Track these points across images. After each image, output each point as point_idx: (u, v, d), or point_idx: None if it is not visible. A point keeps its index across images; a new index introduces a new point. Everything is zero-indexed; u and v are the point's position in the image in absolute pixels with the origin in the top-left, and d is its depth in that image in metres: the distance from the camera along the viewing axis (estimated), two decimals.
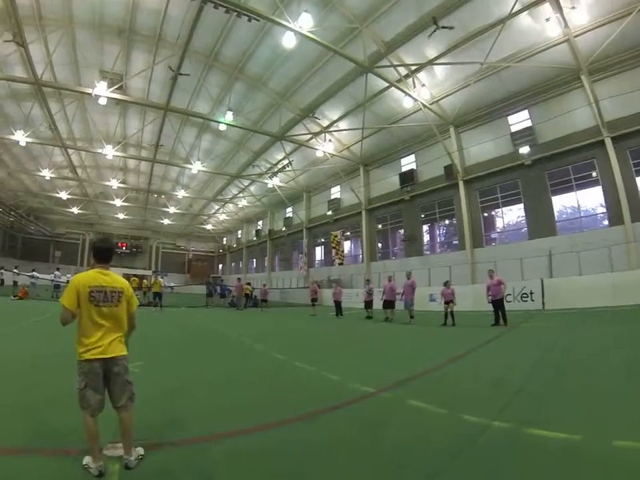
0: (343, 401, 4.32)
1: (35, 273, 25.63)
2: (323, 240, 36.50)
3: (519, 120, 20.96)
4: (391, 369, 6.34)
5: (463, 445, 3.09)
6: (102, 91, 19.73)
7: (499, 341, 9.46)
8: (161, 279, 23.19)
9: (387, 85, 20.90)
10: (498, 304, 12.76)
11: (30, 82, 20.19)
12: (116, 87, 20.23)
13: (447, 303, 13.72)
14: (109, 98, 20.56)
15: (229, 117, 22.97)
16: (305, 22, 15.19)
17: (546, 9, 15.72)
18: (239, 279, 28.93)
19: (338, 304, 19.53)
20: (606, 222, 17.60)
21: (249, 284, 27.90)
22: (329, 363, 6.66)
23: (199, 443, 3.16)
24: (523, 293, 16.70)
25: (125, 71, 22.28)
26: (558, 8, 14.94)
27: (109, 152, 27.71)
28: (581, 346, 8.04)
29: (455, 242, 24.34)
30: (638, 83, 16.23)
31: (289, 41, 16.24)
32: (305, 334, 12.98)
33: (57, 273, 27.42)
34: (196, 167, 30.88)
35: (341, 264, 31.84)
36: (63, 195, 40.23)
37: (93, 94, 19.80)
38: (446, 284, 14.33)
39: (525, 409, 4.07)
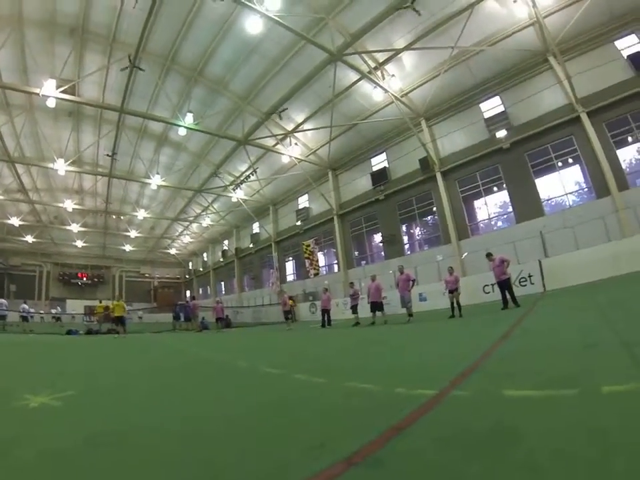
0: (407, 414, 2.56)
1: None
2: (294, 252, 34.98)
3: (492, 106, 20.66)
4: (430, 366, 4.72)
5: None
6: (51, 90, 18.00)
7: (533, 315, 8.53)
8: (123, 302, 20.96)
9: (355, 79, 20.64)
10: (504, 285, 11.84)
11: None
12: (67, 86, 18.43)
13: (451, 292, 12.63)
14: (60, 105, 19.01)
15: (189, 119, 21.60)
16: (272, 4, 14.24)
17: None
18: (217, 301, 27.15)
19: (326, 312, 17.43)
20: (591, 196, 17.51)
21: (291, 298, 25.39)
22: (341, 372, 4.84)
23: None
24: (521, 278, 15.90)
25: (78, 75, 20.61)
26: None
27: (61, 167, 25.56)
28: (627, 302, 7.28)
29: (437, 236, 23.48)
30: (604, 59, 16.74)
31: (254, 27, 15.11)
32: (290, 346, 10.57)
33: (24, 306, 25.31)
34: (155, 181, 29.19)
35: (316, 274, 30.41)
36: (15, 222, 37.62)
37: (40, 94, 18.01)
38: (450, 271, 13.24)
39: None
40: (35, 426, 3.02)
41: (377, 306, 14.72)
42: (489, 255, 12.53)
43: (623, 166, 16.67)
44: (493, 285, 13.44)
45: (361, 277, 25.43)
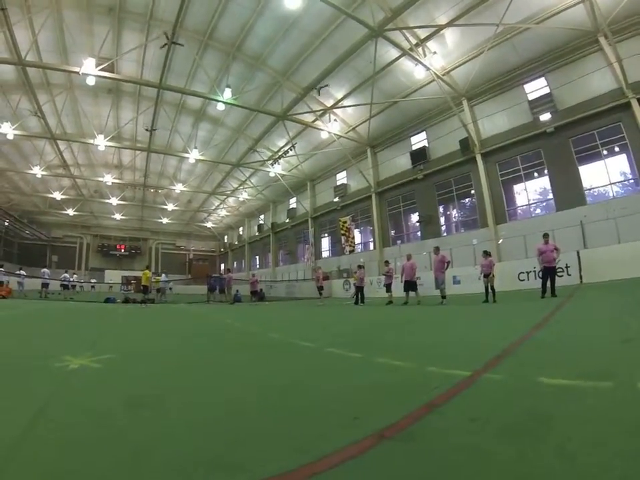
0: (441, 393, 2.57)
1: (22, 272, 24.43)
2: (330, 229, 35.04)
3: (536, 88, 19.78)
4: (462, 348, 4.66)
5: None
6: (90, 69, 18.42)
7: (570, 306, 8.35)
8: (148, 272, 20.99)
9: (396, 56, 20.21)
10: (550, 272, 11.42)
11: (14, 63, 18.94)
12: (106, 64, 18.84)
13: (485, 276, 12.43)
14: (99, 83, 19.41)
15: (227, 94, 21.66)
16: None
17: None
18: (252, 274, 27.95)
19: (360, 290, 17.42)
20: (638, 187, 16.67)
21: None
22: (374, 348, 4.93)
23: None
24: (558, 268, 15.33)
25: (116, 53, 20.85)
26: None
27: (101, 142, 26.50)
28: None
29: (474, 219, 23.03)
30: None
31: (293, 1, 14.93)
32: (326, 321, 10.80)
33: (65, 275, 26.43)
34: (194, 155, 29.71)
35: (352, 251, 30.50)
36: (57, 195, 39.14)
37: (80, 72, 18.48)
38: (484, 255, 12.97)
39: None
40: (73, 386, 3.17)
41: (410, 285, 14.67)
42: (545, 236, 11.99)
43: None
44: (528, 272, 13.09)
45: (397, 255, 25.03)
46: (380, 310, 13.41)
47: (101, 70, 18.94)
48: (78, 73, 18.71)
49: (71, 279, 27.98)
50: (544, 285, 11.36)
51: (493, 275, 12.43)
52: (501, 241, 19.98)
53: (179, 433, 2.03)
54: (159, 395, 2.86)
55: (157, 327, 9.58)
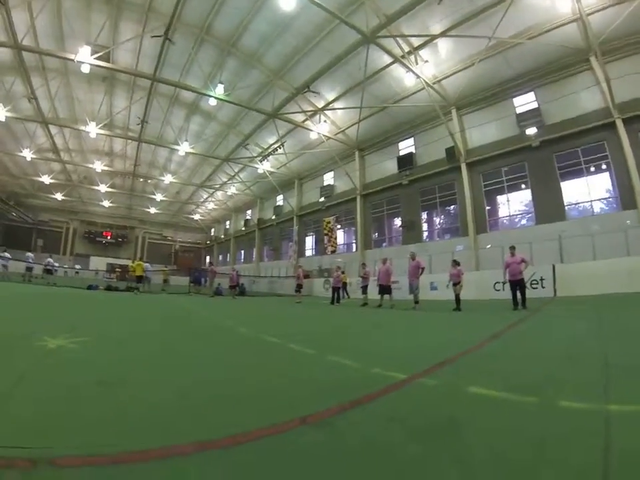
0: (371, 392, 2.84)
1: (5, 254, 24.19)
2: (314, 228, 35.22)
3: (525, 102, 20.13)
4: (414, 353, 5.01)
5: (602, 446, 1.89)
6: (85, 57, 18.42)
7: (533, 319, 8.62)
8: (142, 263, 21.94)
9: (388, 62, 20.37)
10: (518, 284, 11.49)
11: (10, 46, 18.80)
12: (102, 53, 18.88)
13: (454, 284, 12.62)
14: (94, 70, 19.43)
15: (219, 90, 21.78)
16: None
17: None
18: (233, 268, 27.82)
19: (336, 290, 17.85)
20: (616, 206, 17.03)
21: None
22: (331, 347, 5.29)
23: (101, 468, 1.68)
24: (533, 280, 15.59)
25: (113, 41, 20.84)
26: None
27: (93, 129, 26.37)
28: (631, 322, 7.26)
29: (456, 227, 23.36)
30: None
31: (288, 3, 15.15)
32: (298, 318, 11.32)
33: (49, 260, 26.27)
34: (184, 147, 29.68)
35: (333, 251, 30.76)
36: (46, 179, 38.83)
37: (75, 60, 18.47)
38: (454, 263, 13.13)
39: (633, 388, 2.96)
40: (49, 363, 3.51)
41: (385, 289, 14.90)
42: (512, 248, 12.00)
43: None
44: (503, 283, 13.30)
45: (378, 258, 24.97)
46: (352, 311, 13.72)
47: (97, 58, 18.94)
48: (73, 60, 18.71)
49: (56, 265, 27.86)
50: (514, 297, 11.47)
51: (461, 285, 12.58)
52: (488, 246, 20.18)
53: (130, 408, 2.45)
54: (122, 375, 3.26)
55: (133, 314, 9.84)
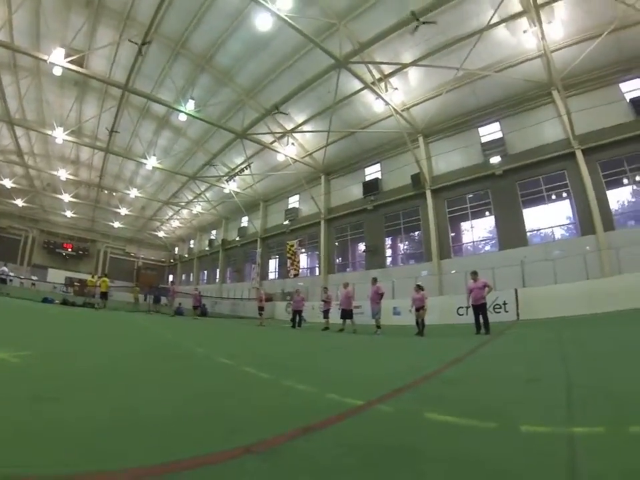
0: (324, 418, 2.73)
1: None
2: (278, 251, 34.98)
3: (490, 131, 20.87)
4: (372, 378, 4.83)
5: (565, 473, 1.84)
6: (59, 59, 18.01)
7: (495, 343, 8.73)
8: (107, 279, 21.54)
9: (358, 88, 20.78)
10: (480, 309, 11.54)
11: None
12: (76, 56, 18.52)
13: (417, 309, 12.52)
14: (66, 74, 19.23)
15: (190, 106, 21.69)
16: (283, 4, 14.40)
17: (523, 22, 16.15)
18: (196, 288, 27.62)
19: (297, 313, 17.46)
20: (576, 232, 17.82)
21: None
22: (288, 371, 5.18)
23: None
24: (496, 304, 15.87)
25: (88, 46, 20.50)
26: (537, 20, 14.80)
27: (60, 135, 25.52)
28: (590, 342, 7.49)
29: (420, 253, 23.67)
30: (607, 99, 16.97)
31: (264, 24, 15.38)
32: (256, 341, 11.10)
33: (4, 269, 25.30)
34: (151, 162, 29.12)
35: (296, 275, 30.43)
36: (7, 183, 37.31)
37: (48, 61, 18.00)
38: (416, 289, 13.02)
39: (596, 408, 2.92)
40: None
41: (346, 313, 14.85)
42: (474, 274, 12.05)
43: (612, 207, 16.88)
44: (467, 307, 13.50)
45: (341, 283, 25.25)
46: (313, 335, 13.60)
47: (70, 62, 18.51)
48: (46, 61, 18.22)
49: (11, 274, 26.81)
50: (477, 321, 11.53)
51: (425, 310, 12.56)
52: (454, 271, 20.42)
53: (65, 424, 2.37)
54: (61, 391, 3.16)
55: (85, 330, 9.54)
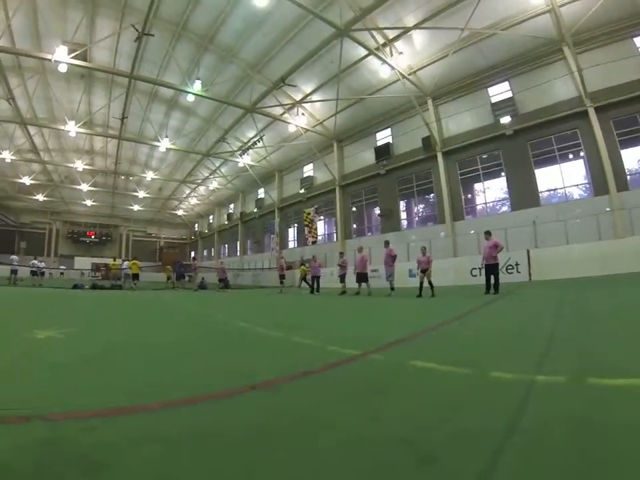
0: (323, 364, 3.15)
1: None
2: (296, 219, 35.40)
3: (500, 91, 20.46)
4: (374, 333, 5.29)
5: (511, 414, 1.97)
6: (62, 56, 18.31)
7: (500, 303, 8.92)
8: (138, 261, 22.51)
9: (363, 55, 20.52)
10: (492, 269, 11.64)
11: None
12: (79, 51, 18.80)
13: (422, 271, 12.66)
14: (72, 68, 19.48)
15: (197, 86, 21.85)
16: None
17: None
18: (221, 262, 28.51)
19: (315, 279, 18.03)
20: (589, 193, 17.51)
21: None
22: (299, 330, 5.65)
23: (85, 420, 1.94)
24: (508, 265, 16.03)
25: (90, 39, 20.71)
26: None
27: (72, 128, 26.17)
28: (591, 302, 7.59)
29: (433, 215, 23.84)
30: (620, 54, 16.17)
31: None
32: (274, 306, 11.56)
33: (34, 262, 26.27)
34: (164, 144, 29.71)
35: (314, 242, 30.96)
36: (26, 181, 38.41)
37: (52, 59, 18.35)
38: (423, 251, 13.09)
39: (565, 360, 3.10)
40: (40, 349, 3.93)
41: (362, 277, 15.17)
42: (487, 233, 12.11)
43: (626, 166, 16.46)
44: (480, 268, 13.63)
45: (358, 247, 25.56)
46: (329, 299, 13.90)
47: (74, 57, 18.83)
48: (50, 60, 18.58)
49: (41, 265, 27.79)
50: (487, 281, 11.63)
51: (430, 271, 12.68)
52: (472, 231, 20.24)
53: (111, 376, 2.90)
54: (104, 355, 3.69)
55: (117, 309, 10.06)
